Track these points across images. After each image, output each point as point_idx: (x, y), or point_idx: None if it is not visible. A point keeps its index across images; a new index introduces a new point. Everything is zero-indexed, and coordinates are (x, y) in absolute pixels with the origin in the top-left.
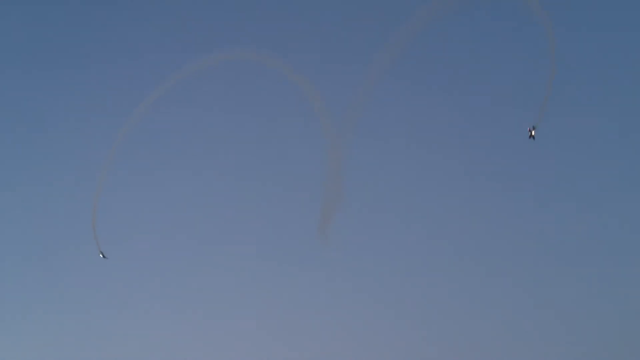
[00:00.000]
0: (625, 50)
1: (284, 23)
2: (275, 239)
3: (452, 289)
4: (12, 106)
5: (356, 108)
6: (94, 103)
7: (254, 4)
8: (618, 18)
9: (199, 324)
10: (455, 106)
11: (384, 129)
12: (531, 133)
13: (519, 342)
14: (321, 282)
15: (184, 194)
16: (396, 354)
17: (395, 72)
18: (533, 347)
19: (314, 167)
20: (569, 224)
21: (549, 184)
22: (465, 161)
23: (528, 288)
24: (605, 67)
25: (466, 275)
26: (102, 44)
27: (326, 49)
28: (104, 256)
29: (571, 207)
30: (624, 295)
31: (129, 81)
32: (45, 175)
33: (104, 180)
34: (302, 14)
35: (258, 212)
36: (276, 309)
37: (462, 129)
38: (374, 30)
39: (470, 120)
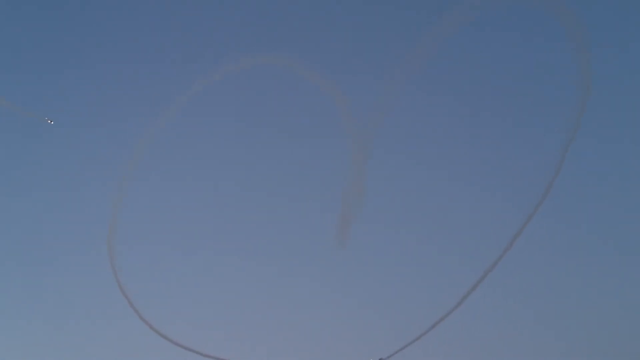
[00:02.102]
0: None
1: (308, 25)
2: (291, 242)
3: (475, 297)
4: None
5: (381, 110)
6: (114, 106)
7: (278, 7)
8: None
9: (213, 327)
10: (484, 112)
11: (408, 132)
12: None
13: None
14: (337, 288)
15: (202, 195)
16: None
17: (422, 75)
18: None
19: (335, 169)
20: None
21: (582, 197)
22: (491, 167)
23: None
24: None
25: (490, 283)
26: (124, 47)
27: (352, 50)
28: None
29: (600, 224)
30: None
31: (150, 87)
32: (63, 179)
33: (126, 181)
34: (328, 16)
35: (276, 214)
36: (291, 314)
37: (490, 135)
38: (402, 32)
39: (498, 127)
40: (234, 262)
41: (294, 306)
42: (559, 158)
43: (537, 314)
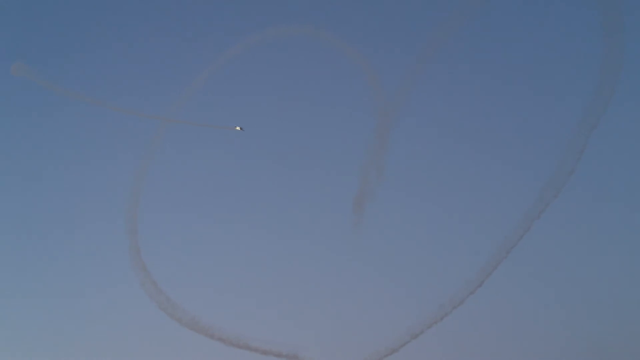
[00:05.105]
0: None
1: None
2: (308, 219)
3: (491, 281)
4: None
5: (408, 87)
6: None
7: None
8: None
9: (224, 305)
10: (509, 89)
11: (433, 110)
12: None
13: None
14: (353, 268)
15: (218, 168)
16: (432, 343)
17: (449, 49)
18: None
19: (357, 145)
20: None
21: (604, 182)
22: (513, 147)
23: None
24: None
25: (506, 264)
26: (144, 25)
27: (381, 24)
28: None
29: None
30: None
31: (177, 59)
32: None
33: (151, 156)
34: None
35: (293, 190)
36: (306, 291)
37: (515, 112)
38: (431, 6)
39: (524, 103)
40: (247, 235)
41: (306, 280)
42: (584, 137)
43: (558, 291)
